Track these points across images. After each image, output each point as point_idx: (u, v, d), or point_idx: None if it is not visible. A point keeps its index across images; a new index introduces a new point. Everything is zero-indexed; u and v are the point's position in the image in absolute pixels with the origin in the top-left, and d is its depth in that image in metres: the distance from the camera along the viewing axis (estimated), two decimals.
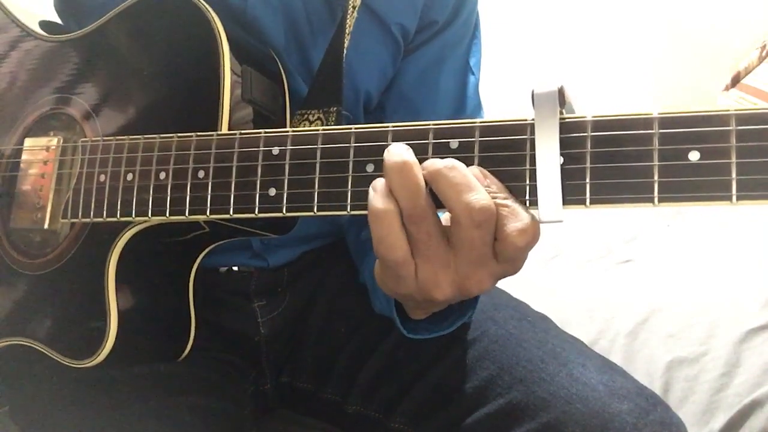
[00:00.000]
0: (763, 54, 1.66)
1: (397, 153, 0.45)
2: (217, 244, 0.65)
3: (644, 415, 0.64)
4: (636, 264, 1.25)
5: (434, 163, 0.45)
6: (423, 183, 0.44)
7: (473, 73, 0.80)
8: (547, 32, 1.96)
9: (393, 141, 0.47)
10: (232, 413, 0.71)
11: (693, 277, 1.16)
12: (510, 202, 0.44)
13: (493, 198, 0.44)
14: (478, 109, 0.81)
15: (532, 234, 0.44)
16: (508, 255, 0.45)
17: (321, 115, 0.66)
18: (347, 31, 0.67)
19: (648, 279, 1.19)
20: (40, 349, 0.63)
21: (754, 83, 1.66)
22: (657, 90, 1.87)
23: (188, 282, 0.65)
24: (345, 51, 0.66)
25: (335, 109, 0.65)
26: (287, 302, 0.80)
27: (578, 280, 1.23)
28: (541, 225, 0.44)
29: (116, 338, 0.58)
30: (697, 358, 1.02)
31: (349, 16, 0.67)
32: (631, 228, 1.35)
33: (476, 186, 0.44)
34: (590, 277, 1.24)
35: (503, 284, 0.85)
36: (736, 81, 1.70)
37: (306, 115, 0.66)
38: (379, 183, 0.46)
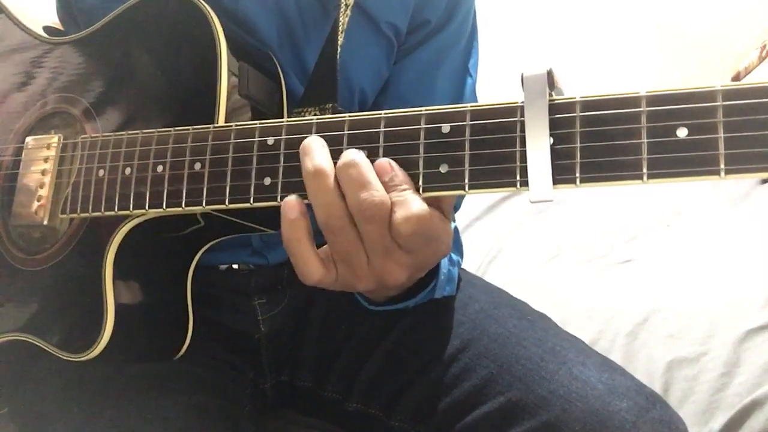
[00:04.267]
0: (763, 54, 1.66)
1: (310, 158, 0.47)
2: (215, 241, 0.65)
3: (644, 413, 0.64)
4: (636, 264, 1.25)
5: (341, 158, 0.47)
6: (335, 190, 0.47)
7: (471, 75, 0.81)
8: (547, 33, 1.96)
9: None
10: (231, 412, 0.71)
11: (693, 277, 1.16)
12: (403, 192, 0.46)
13: (392, 189, 0.46)
14: None
15: (416, 221, 0.46)
16: (404, 243, 0.47)
17: (317, 112, 0.66)
18: (341, 29, 0.67)
19: (648, 279, 1.19)
20: (37, 344, 0.63)
21: None
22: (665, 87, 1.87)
23: (186, 280, 0.65)
24: (339, 49, 0.67)
25: (331, 105, 0.66)
26: (287, 300, 0.80)
27: (578, 280, 1.23)
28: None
29: (113, 332, 0.59)
30: (697, 358, 1.02)
31: (342, 15, 0.68)
32: (631, 228, 1.35)
33: (370, 183, 0.46)
34: (590, 277, 1.24)
35: (503, 284, 0.86)
36: (736, 81, 1.70)
37: (302, 113, 0.67)
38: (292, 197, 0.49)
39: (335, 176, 0.47)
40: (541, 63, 0.45)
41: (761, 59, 1.65)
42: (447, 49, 0.78)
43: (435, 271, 0.67)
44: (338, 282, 0.50)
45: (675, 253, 1.26)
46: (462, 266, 0.83)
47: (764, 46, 1.67)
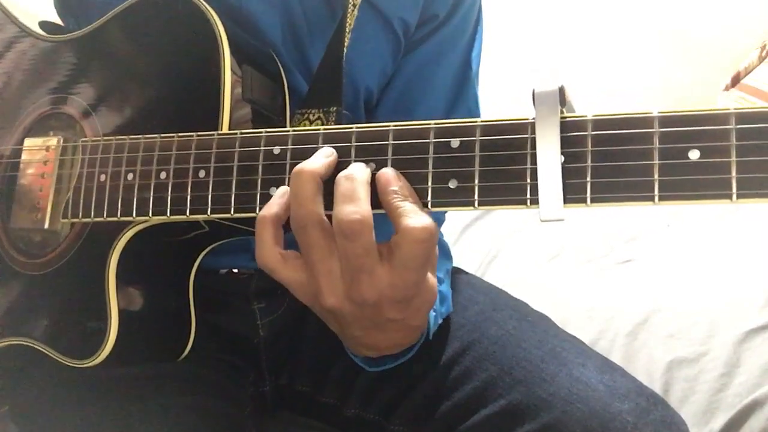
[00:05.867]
0: (763, 54, 1.66)
1: (303, 162, 0.47)
2: (217, 243, 0.65)
3: (645, 414, 0.64)
4: (636, 264, 1.25)
5: (346, 170, 0.47)
6: (311, 192, 0.46)
7: (471, 67, 0.80)
8: (548, 33, 1.96)
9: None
10: (233, 414, 0.71)
11: (693, 277, 1.16)
12: (414, 204, 0.46)
13: (400, 198, 0.45)
14: (475, 103, 0.80)
15: (430, 233, 0.45)
16: (403, 252, 0.45)
17: (321, 115, 0.66)
18: (347, 29, 0.67)
19: (648, 279, 1.19)
20: (40, 349, 0.63)
21: (754, 83, 1.66)
22: (657, 90, 1.87)
23: (188, 282, 0.65)
24: (345, 50, 0.66)
25: (335, 109, 0.65)
26: (287, 304, 0.79)
27: (578, 280, 1.23)
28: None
29: (117, 338, 0.58)
30: (697, 358, 1.02)
31: (349, 15, 0.67)
32: (631, 228, 1.35)
33: (357, 199, 0.45)
34: (590, 277, 1.24)
35: (503, 284, 0.86)
36: (736, 81, 1.70)
37: (306, 115, 0.66)
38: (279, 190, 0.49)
39: (319, 182, 0.47)
40: (552, 79, 0.45)
41: (761, 59, 1.65)
42: (448, 42, 0.77)
43: None
44: (305, 288, 0.49)
45: (675, 253, 1.26)
46: (461, 267, 0.83)
47: (764, 46, 1.67)
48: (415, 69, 0.76)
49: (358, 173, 0.46)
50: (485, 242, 1.39)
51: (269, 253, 0.48)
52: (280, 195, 0.49)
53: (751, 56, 1.69)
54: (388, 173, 0.47)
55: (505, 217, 1.46)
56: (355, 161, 0.48)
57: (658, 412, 0.65)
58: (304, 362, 0.80)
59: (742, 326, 1.03)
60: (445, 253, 0.79)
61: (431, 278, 0.49)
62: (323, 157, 0.48)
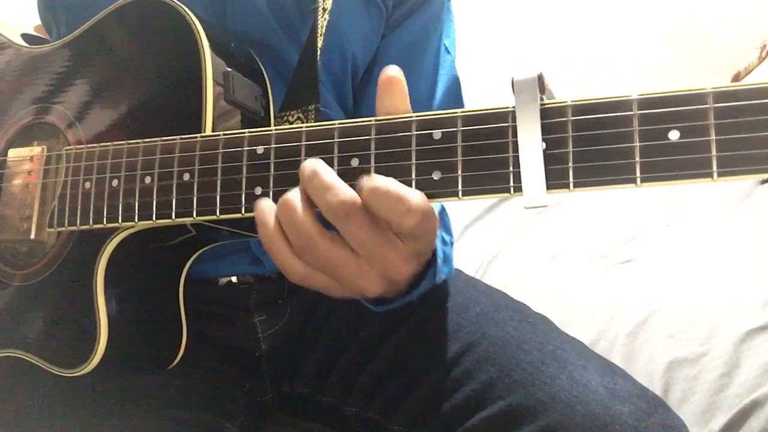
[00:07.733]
0: (763, 54, 1.65)
1: (310, 162, 0.47)
2: (206, 248, 0.64)
3: (645, 417, 0.64)
4: (636, 264, 1.25)
5: (301, 174, 0.47)
6: (305, 217, 0.46)
7: (449, 53, 0.80)
8: (546, 30, 1.96)
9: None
10: (219, 425, 0.70)
11: (693, 277, 1.16)
12: (392, 188, 0.45)
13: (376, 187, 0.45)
14: (456, 85, 0.80)
15: (420, 214, 0.45)
16: (412, 233, 0.46)
17: (300, 114, 0.66)
18: (320, 32, 0.67)
19: (648, 279, 1.19)
20: (30, 360, 0.62)
21: None
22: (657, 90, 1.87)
23: (178, 287, 0.64)
24: (319, 52, 0.67)
25: (314, 106, 0.66)
26: (288, 315, 0.79)
27: (578, 280, 1.23)
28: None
29: (107, 345, 0.58)
30: (697, 358, 1.02)
31: (320, 18, 0.67)
32: (632, 228, 1.35)
33: (333, 185, 0.45)
34: (590, 277, 1.24)
35: (503, 284, 0.86)
36: (736, 81, 1.69)
37: (285, 117, 0.66)
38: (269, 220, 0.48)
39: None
40: (531, 66, 0.45)
41: (761, 59, 1.65)
42: (433, 22, 0.77)
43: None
44: (347, 289, 0.49)
45: (675, 253, 1.25)
46: (461, 267, 0.83)
47: (764, 46, 1.66)
48: (402, 50, 0.76)
49: (318, 167, 0.46)
50: (485, 242, 1.39)
51: (294, 264, 0.49)
52: (268, 210, 0.48)
53: (751, 56, 1.69)
54: (366, 181, 0.46)
55: (505, 217, 1.46)
56: (339, 156, 0.48)
57: (659, 415, 0.65)
58: (306, 366, 0.80)
59: (742, 326, 1.03)
60: (446, 228, 0.78)
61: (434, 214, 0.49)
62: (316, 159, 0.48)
